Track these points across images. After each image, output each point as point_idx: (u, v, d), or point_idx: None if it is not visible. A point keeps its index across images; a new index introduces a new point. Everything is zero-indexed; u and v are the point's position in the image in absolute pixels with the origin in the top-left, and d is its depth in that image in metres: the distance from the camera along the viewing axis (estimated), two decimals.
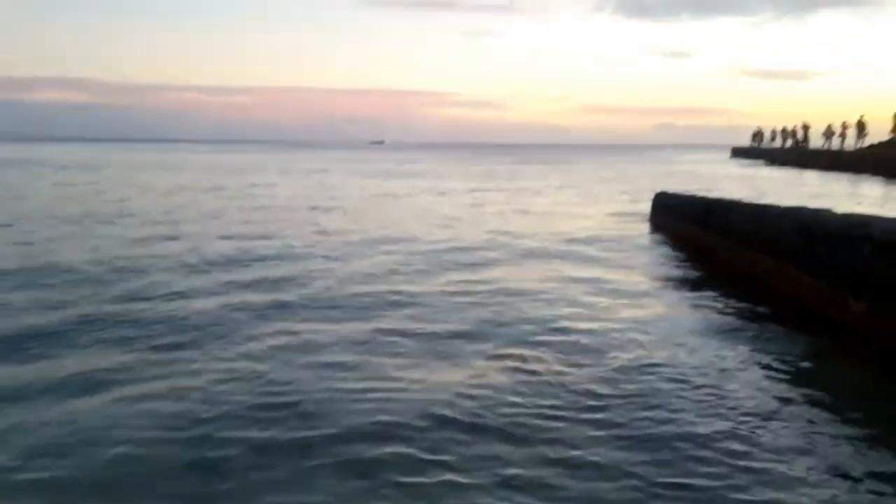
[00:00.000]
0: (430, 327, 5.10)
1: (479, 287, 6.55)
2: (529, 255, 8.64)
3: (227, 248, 8.71)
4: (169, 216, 12.26)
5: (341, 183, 23.66)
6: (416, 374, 4.06)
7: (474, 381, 3.91)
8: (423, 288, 6.53)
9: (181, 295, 6.04)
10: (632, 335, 4.94)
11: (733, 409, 3.56)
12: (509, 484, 2.79)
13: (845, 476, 2.88)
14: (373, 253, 8.53)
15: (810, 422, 3.44)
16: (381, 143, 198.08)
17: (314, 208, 14.22)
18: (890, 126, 30.10)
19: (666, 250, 9.15)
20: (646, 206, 12.29)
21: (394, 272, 7.28)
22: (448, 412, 3.45)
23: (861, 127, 34.01)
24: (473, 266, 7.75)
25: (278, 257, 8.06)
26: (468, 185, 22.84)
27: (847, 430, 3.32)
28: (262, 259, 7.90)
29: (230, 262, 7.68)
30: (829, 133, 38.31)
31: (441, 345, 4.67)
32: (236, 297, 5.95)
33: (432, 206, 15.35)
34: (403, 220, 12.48)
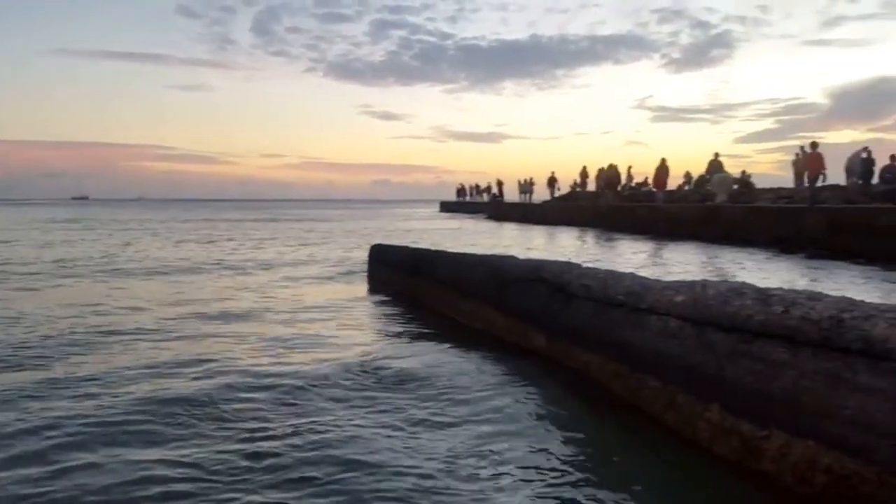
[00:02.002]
0: None
1: None
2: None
3: None
4: None
5: None
6: None
7: None
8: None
9: None
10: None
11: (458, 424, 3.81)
12: None
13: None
14: None
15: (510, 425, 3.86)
16: (84, 199, 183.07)
17: None
18: (578, 180, 34.43)
19: (381, 299, 9.52)
20: (365, 257, 12.69)
21: None
22: None
23: (552, 182, 38.06)
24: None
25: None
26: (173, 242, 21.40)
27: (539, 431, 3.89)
28: None
29: None
30: (523, 188, 42.70)
31: None
32: None
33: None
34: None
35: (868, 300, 3.30)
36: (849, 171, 20.84)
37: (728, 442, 3.53)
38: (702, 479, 3.40)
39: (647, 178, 29.56)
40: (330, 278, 12.21)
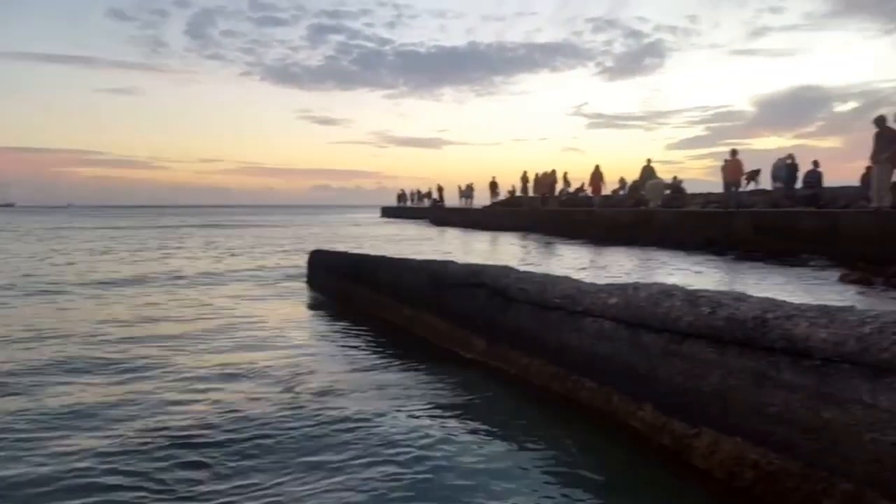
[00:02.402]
0: None
1: None
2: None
3: None
4: None
5: None
6: None
7: None
8: None
9: None
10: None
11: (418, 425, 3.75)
12: None
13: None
14: None
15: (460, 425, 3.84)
16: (10, 206, 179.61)
17: None
18: (518, 186, 34.53)
19: (320, 305, 9.42)
20: (304, 263, 12.50)
21: None
22: None
23: (493, 186, 38.23)
24: None
25: None
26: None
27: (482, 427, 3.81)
28: None
29: None
30: (463, 193, 42.70)
31: None
32: None
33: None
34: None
35: (791, 300, 3.43)
36: (774, 176, 21.79)
37: (661, 440, 3.61)
38: (640, 475, 3.45)
39: (583, 184, 30.14)
40: (268, 284, 11.93)
